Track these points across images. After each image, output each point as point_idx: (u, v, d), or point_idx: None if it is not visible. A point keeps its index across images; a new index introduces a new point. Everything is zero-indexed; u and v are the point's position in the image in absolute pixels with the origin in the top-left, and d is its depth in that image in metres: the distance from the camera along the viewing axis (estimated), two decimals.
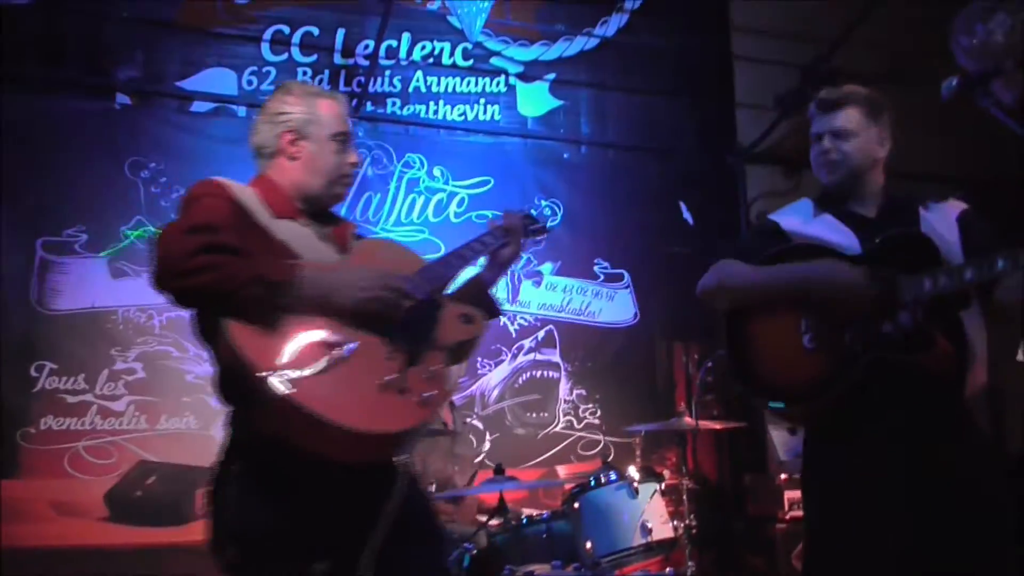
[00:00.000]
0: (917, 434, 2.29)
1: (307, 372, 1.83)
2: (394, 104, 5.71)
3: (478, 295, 2.34)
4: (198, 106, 5.37)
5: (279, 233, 2.06)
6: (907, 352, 2.26)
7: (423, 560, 2.10)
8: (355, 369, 1.90)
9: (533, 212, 2.61)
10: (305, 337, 1.88)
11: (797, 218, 2.56)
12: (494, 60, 5.92)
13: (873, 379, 2.27)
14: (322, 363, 1.86)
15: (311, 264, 2.00)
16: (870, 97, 2.53)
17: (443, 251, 2.41)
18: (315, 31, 5.59)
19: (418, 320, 2.06)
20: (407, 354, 2.00)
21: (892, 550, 2.23)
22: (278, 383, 1.78)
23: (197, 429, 4.91)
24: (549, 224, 2.61)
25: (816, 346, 2.36)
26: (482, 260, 2.39)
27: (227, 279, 1.83)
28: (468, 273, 2.37)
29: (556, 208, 5.81)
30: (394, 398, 1.93)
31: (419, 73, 5.78)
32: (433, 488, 4.06)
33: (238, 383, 1.84)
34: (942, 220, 2.47)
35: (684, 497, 4.28)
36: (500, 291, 2.42)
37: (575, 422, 5.52)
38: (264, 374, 1.78)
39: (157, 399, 4.90)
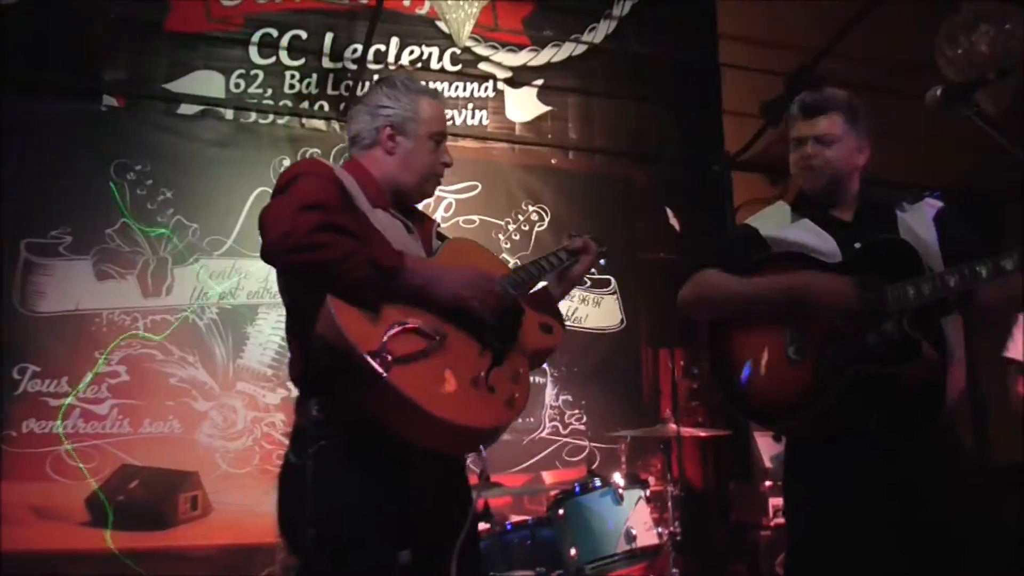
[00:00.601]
0: (898, 444, 2.29)
1: (407, 357, 1.89)
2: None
3: (546, 307, 2.42)
4: (185, 108, 5.35)
5: (375, 221, 2.11)
6: (893, 363, 2.26)
7: (475, 557, 2.20)
8: (449, 361, 1.97)
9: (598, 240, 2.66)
10: (405, 324, 1.93)
11: (775, 223, 2.56)
12: (482, 65, 5.93)
13: (857, 389, 2.27)
14: (421, 351, 1.93)
15: (414, 255, 2.07)
16: (851, 102, 2.54)
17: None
18: (303, 34, 5.58)
19: (505, 323, 2.13)
20: (494, 354, 2.07)
21: (874, 560, 2.24)
22: (379, 365, 1.83)
23: (180, 433, 4.88)
24: (601, 249, 2.67)
25: (801, 358, 2.35)
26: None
27: (343, 258, 1.88)
28: (538, 285, 2.46)
29: (543, 213, 5.82)
30: (483, 395, 2.01)
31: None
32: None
33: (336, 361, 1.87)
34: (919, 220, 2.48)
35: (669, 504, 4.29)
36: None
37: (560, 428, 5.52)
38: (367, 353, 1.83)
39: (140, 402, 4.87)
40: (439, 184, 2.38)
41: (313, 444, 1.98)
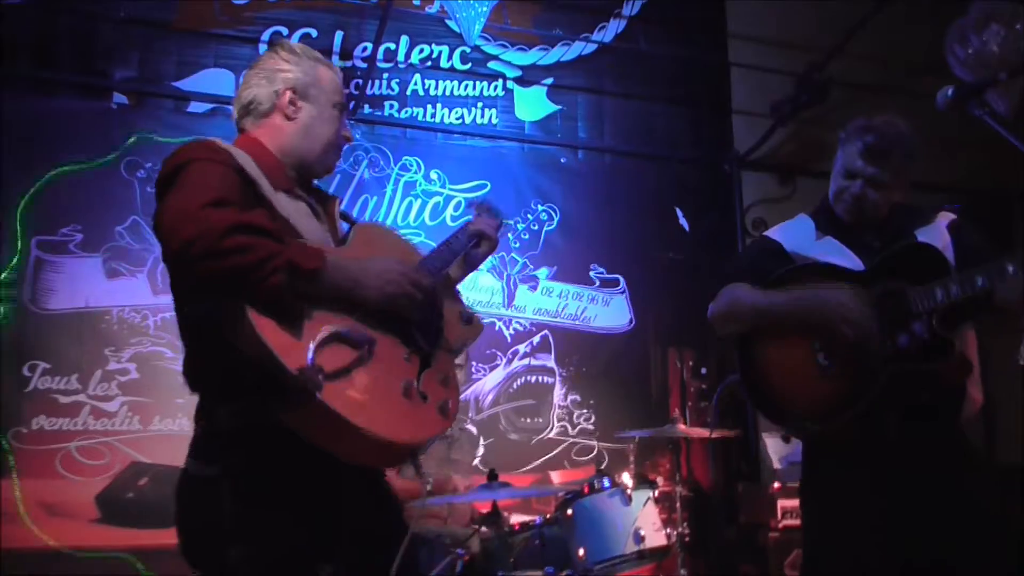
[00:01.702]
0: (916, 452, 2.30)
1: (338, 372, 1.73)
2: (392, 107, 5.71)
3: (452, 294, 2.23)
4: (195, 106, 5.36)
5: (281, 208, 1.91)
6: (926, 361, 2.28)
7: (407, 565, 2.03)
8: (379, 371, 1.81)
9: (496, 211, 2.47)
10: (328, 332, 1.75)
11: (799, 238, 2.57)
12: (492, 64, 5.92)
13: (889, 392, 2.28)
14: (352, 362, 1.76)
15: (333, 251, 1.89)
16: (913, 144, 2.51)
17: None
18: (313, 33, 5.58)
19: (430, 319, 1.98)
20: (421, 357, 1.93)
21: (890, 564, 2.24)
22: (310, 383, 1.67)
23: (190, 430, 4.87)
24: (505, 221, 2.46)
25: (832, 364, 2.37)
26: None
27: (260, 263, 1.67)
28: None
29: (552, 213, 5.81)
30: (416, 404, 1.86)
31: (417, 76, 5.78)
32: (428, 489, 4.05)
33: (255, 375, 1.70)
34: (934, 233, 2.50)
35: (677, 504, 4.28)
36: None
37: (569, 428, 5.52)
38: (297, 371, 1.66)
39: (150, 400, 4.88)
40: (339, 159, 2.17)
41: (226, 454, 1.81)
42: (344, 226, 2.15)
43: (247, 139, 2.05)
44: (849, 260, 2.47)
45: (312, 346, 1.71)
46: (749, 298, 2.51)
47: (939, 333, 2.27)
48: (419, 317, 1.94)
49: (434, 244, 2.28)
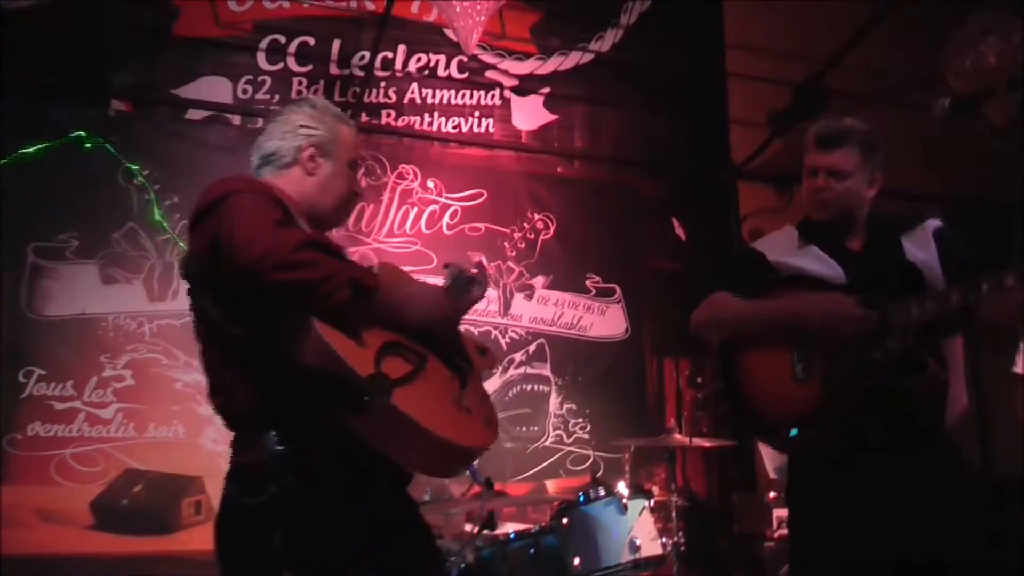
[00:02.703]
0: (900, 461, 2.31)
1: (402, 379, 1.83)
2: (389, 115, 5.72)
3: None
4: (192, 114, 5.36)
5: None
6: (900, 377, 2.27)
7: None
8: (433, 384, 1.93)
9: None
10: (392, 345, 1.89)
11: (782, 249, 2.57)
12: (489, 73, 5.94)
13: (864, 406, 2.28)
14: (411, 372, 1.88)
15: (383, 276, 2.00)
16: (869, 135, 2.52)
17: (435, 263, 2.41)
18: (311, 41, 5.59)
19: (460, 343, 2.11)
20: (460, 376, 2.05)
21: (877, 572, 2.25)
22: (381, 389, 1.77)
23: (185, 437, 4.89)
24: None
25: (809, 376, 2.37)
26: None
27: (327, 277, 1.79)
28: None
29: (549, 222, 5.82)
30: (465, 416, 1.97)
31: (414, 85, 5.79)
32: (427, 499, 4.05)
33: (326, 387, 1.78)
34: (921, 241, 2.50)
35: (673, 514, 4.28)
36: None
37: (564, 436, 5.52)
38: (368, 377, 1.76)
39: (145, 407, 4.88)
40: (351, 213, 2.31)
41: (275, 481, 1.85)
42: None
43: (270, 183, 2.13)
44: (830, 268, 2.46)
45: (375, 355, 1.83)
46: (733, 306, 2.52)
47: (913, 349, 2.27)
48: (456, 340, 2.09)
49: (430, 253, 2.34)
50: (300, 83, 5.56)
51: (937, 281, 2.39)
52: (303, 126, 2.16)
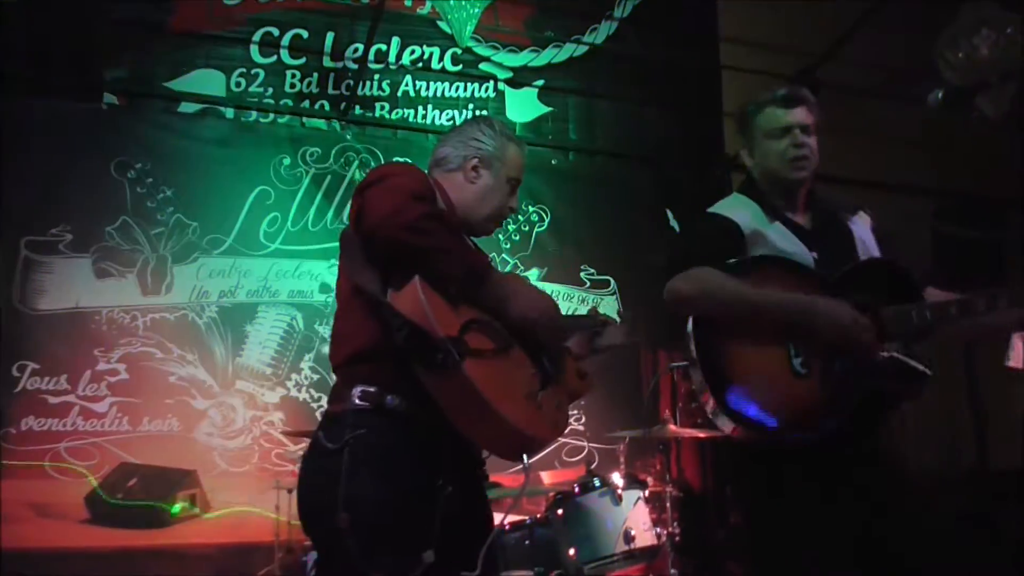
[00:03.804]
0: (860, 455, 2.32)
1: (480, 352, 1.93)
2: (383, 108, 5.71)
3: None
4: (186, 107, 5.35)
5: None
6: (902, 382, 2.29)
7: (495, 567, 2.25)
8: (510, 369, 2.03)
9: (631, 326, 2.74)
10: (478, 316, 2.00)
11: (753, 221, 2.50)
12: (483, 66, 5.93)
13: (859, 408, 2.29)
14: (492, 350, 1.98)
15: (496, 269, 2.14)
16: (816, 101, 2.55)
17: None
18: (304, 34, 5.58)
19: (554, 357, 2.20)
20: (543, 378, 2.13)
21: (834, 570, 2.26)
22: (456, 351, 1.87)
23: (179, 431, 4.89)
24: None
25: (807, 371, 2.34)
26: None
27: (444, 250, 1.97)
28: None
29: (543, 214, 5.82)
30: (534, 408, 2.05)
31: (408, 77, 5.79)
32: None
33: (411, 340, 1.91)
34: (865, 232, 2.52)
35: (667, 504, 4.29)
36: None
37: None
38: (446, 337, 1.87)
39: (140, 401, 4.87)
40: (500, 226, 2.45)
41: (351, 431, 2.00)
42: None
43: (433, 181, 2.28)
44: (797, 247, 2.44)
45: (462, 324, 1.95)
46: (727, 286, 2.41)
47: (913, 354, 2.28)
48: (551, 347, 2.18)
49: None
50: (293, 76, 5.56)
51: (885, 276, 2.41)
52: (474, 139, 2.35)
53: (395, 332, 1.95)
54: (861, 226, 2.54)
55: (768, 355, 2.37)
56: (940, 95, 2.21)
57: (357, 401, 2.03)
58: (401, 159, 5.61)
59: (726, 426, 2.40)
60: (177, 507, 4.77)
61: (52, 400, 4.76)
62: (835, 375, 2.31)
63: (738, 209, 2.54)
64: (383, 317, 1.99)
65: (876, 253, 2.48)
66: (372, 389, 2.02)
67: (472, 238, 2.35)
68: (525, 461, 2.04)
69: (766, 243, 2.45)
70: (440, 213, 2.08)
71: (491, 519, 2.22)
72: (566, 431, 2.21)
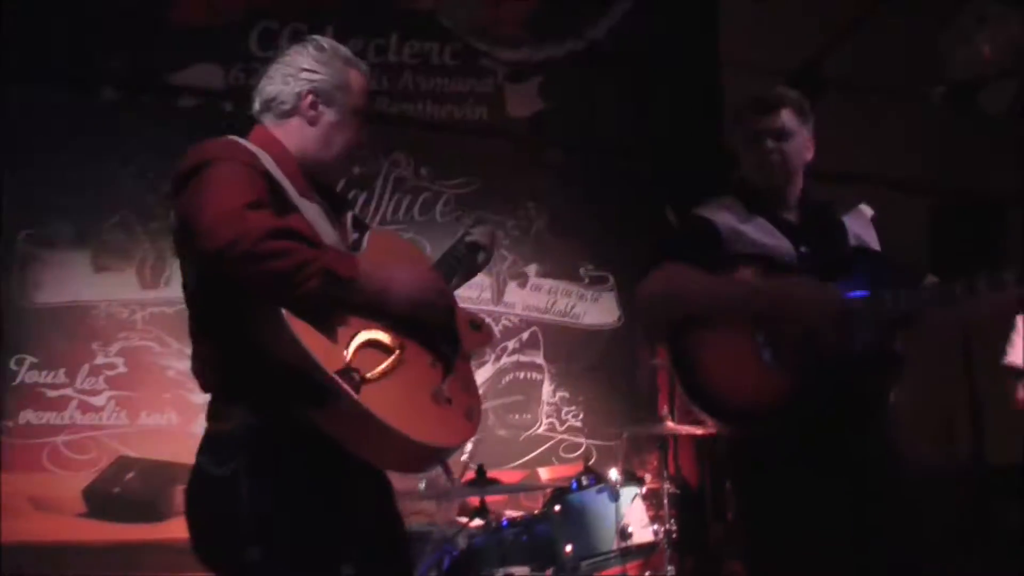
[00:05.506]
0: (852, 443, 2.31)
1: (374, 376, 1.75)
2: (382, 102, 5.69)
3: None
4: (184, 101, 5.34)
5: (306, 214, 1.90)
6: (877, 372, 2.28)
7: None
8: (409, 375, 1.84)
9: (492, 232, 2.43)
10: (364, 337, 1.79)
11: (731, 219, 2.48)
12: (483, 60, 5.91)
13: (835, 395, 2.28)
14: (384, 367, 1.79)
15: (365, 260, 1.90)
16: (800, 100, 2.53)
17: (428, 251, 2.38)
18: (303, 27, 5.56)
19: (447, 326, 2.00)
20: (444, 363, 1.95)
21: (834, 560, 2.25)
22: (349, 386, 1.69)
23: (178, 425, 4.89)
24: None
25: (777, 362, 2.33)
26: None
27: (298, 268, 1.69)
28: None
29: (542, 209, 5.81)
30: (444, 409, 1.88)
31: (407, 72, 5.77)
32: (423, 487, 4.06)
33: (277, 374, 1.72)
34: (863, 227, 2.51)
35: (665, 501, 4.29)
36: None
37: (557, 424, 5.52)
38: (336, 374, 1.68)
39: (137, 394, 4.88)
40: (353, 165, 2.18)
41: (242, 453, 1.79)
42: (355, 233, 2.13)
43: (267, 136, 2.00)
44: (779, 241, 2.43)
45: (350, 349, 1.75)
46: (695, 281, 2.40)
47: (888, 343, 2.28)
48: (442, 324, 1.97)
49: (423, 240, 2.29)
50: None
51: (881, 268, 2.40)
52: (305, 69, 2.01)
53: (273, 372, 1.73)
54: (859, 220, 2.53)
55: (735, 346, 2.36)
56: (941, 91, 2.20)
57: (246, 419, 1.81)
58: (400, 154, 5.60)
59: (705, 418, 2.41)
60: None
61: (50, 393, 4.78)
62: (808, 365, 2.29)
63: (720, 209, 2.53)
64: (248, 343, 1.76)
65: (874, 247, 2.47)
66: (262, 404, 1.80)
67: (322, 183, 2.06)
68: (446, 467, 1.92)
69: (745, 240, 2.43)
70: (284, 223, 1.75)
71: (400, 518, 2.05)
72: (471, 424, 1.96)
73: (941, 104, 2.18)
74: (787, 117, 2.47)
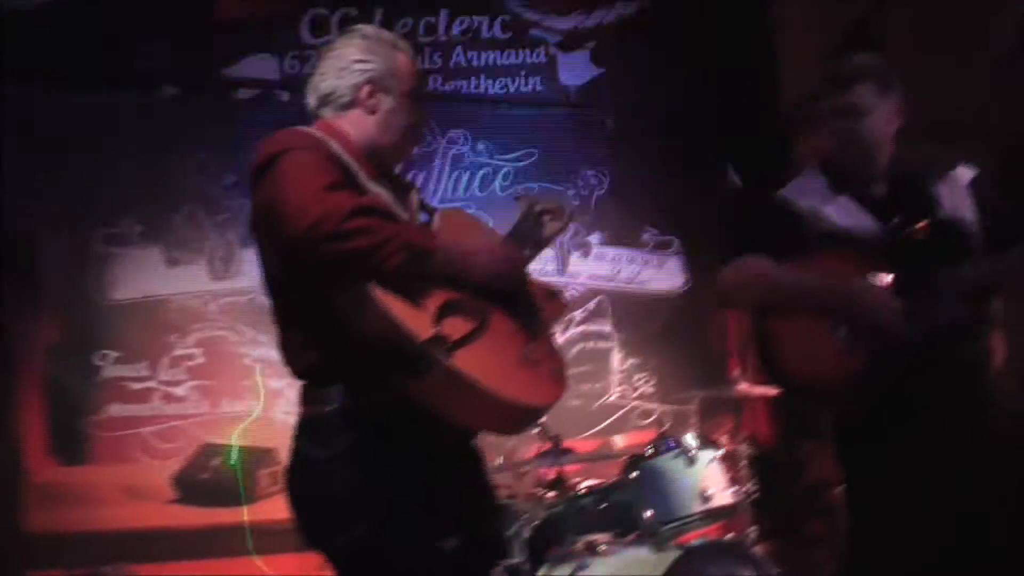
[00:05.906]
0: (945, 415, 2.27)
1: (462, 340, 1.79)
2: (435, 80, 5.70)
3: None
4: (242, 93, 5.41)
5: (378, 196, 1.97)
6: (957, 343, 2.25)
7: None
8: (495, 341, 1.87)
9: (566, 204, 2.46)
10: (445, 306, 1.82)
11: (812, 196, 2.46)
12: (532, 31, 5.88)
13: (916, 372, 2.24)
14: (472, 331, 1.83)
15: (444, 234, 1.97)
16: (881, 69, 2.43)
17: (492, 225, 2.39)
18: (353, 11, 5.58)
19: (526, 295, 2.04)
20: (527, 329, 1.98)
21: (935, 545, 2.22)
22: (441, 352, 1.74)
23: (256, 411, 5.00)
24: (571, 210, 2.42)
25: (851, 342, 2.30)
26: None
27: (381, 244, 1.74)
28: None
29: (602, 177, 5.78)
30: (532, 371, 1.92)
31: (459, 48, 5.76)
32: (500, 461, 4.09)
33: (385, 352, 1.76)
34: (956, 192, 2.41)
35: (742, 463, 4.27)
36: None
37: (629, 391, 5.52)
38: (427, 341, 1.73)
39: (217, 383, 5.00)
40: (416, 145, 2.20)
41: (340, 435, 1.85)
42: (423, 215, 2.17)
43: (330, 128, 2.03)
44: (862, 220, 2.38)
45: (434, 317, 1.79)
46: (771, 275, 2.41)
47: (969, 315, 2.24)
48: (521, 293, 2.01)
49: (486, 215, 2.30)
50: None
51: (975, 236, 2.33)
52: (357, 60, 2.04)
53: (365, 349, 1.78)
54: (954, 187, 2.42)
55: (813, 326, 2.34)
56: (1010, 34, 2.13)
57: (339, 403, 1.87)
58: (456, 131, 5.61)
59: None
60: None
61: (134, 386, 4.92)
62: (882, 343, 2.25)
63: (803, 188, 2.51)
64: (337, 326, 1.80)
65: (966, 213, 2.38)
66: (355, 386, 1.86)
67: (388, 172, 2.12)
68: (541, 427, 1.97)
69: (825, 221, 2.41)
70: (364, 201, 1.82)
71: (491, 489, 2.11)
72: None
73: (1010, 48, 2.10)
74: (862, 93, 2.37)
